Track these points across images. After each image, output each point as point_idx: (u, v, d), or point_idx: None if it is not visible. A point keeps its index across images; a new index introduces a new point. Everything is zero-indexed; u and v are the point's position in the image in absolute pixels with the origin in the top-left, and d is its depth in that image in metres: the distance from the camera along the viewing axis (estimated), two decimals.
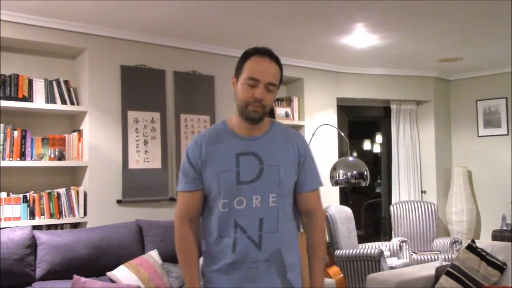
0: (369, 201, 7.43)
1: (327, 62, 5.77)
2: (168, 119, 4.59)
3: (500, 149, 6.26)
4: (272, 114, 5.46)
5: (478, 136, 6.47)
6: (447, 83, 6.73)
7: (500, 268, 3.75)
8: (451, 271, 3.82)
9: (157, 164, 4.47)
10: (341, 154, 5.90)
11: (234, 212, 1.87)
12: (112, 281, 3.51)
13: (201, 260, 2.00)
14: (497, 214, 6.14)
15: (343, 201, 6.05)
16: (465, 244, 4.07)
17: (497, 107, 6.31)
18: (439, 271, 3.93)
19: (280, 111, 5.52)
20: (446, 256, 5.15)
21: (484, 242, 4.14)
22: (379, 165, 7.00)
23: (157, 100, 4.53)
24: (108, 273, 3.55)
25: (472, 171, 6.51)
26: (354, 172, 4.37)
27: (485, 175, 6.39)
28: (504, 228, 6.00)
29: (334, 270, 4.28)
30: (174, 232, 1.97)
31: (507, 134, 6.22)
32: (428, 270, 4.06)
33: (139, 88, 4.44)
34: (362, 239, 5.96)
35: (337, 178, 4.43)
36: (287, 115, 5.56)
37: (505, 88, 6.24)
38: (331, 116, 5.88)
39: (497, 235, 5.87)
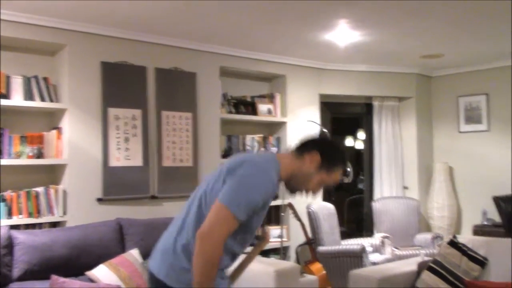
0: (352, 198, 7.45)
1: (310, 59, 5.76)
2: (149, 116, 4.54)
3: (481, 145, 6.32)
4: (254, 110, 5.44)
5: (459, 132, 6.53)
6: (429, 80, 6.77)
7: (481, 263, 3.77)
8: (433, 266, 3.84)
9: (138, 161, 4.42)
10: None
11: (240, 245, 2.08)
12: (92, 280, 3.46)
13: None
14: (478, 209, 6.20)
15: (326, 198, 6.06)
16: (446, 239, 4.09)
17: (478, 103, 6.36)
18: (421, 267, 3.94)
19: (262, 108, 5.50)
20: (428, 252, 5.18)
21: (466, 237, 4.16)
22: (362, 162, 7.03)
23: (138, 97, 4.48)
24: (87, 273, 3.51)
25: (453, 167, 6.56)
26: None
27: (466, 171, 6.45)
28: (485, 223, 6.06)
29: (317, 266, 4.28)
30: (210, 246, 1.86)
31: (488, 130, 6.28)
32: (410, 265, 4.07)
33: (120, 84, 4.38)
34: (344, 235, 5.97)
35: None
36: (269, 111, 5.54)
37: (486, 85, 6.29)
38: (314, 113, 5.87)
39: (478, 230, 5.92)
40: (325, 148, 2.04)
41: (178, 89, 4.73)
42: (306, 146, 2.05)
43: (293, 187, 2.06)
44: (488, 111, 6.28)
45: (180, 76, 4.75)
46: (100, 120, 4.27)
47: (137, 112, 4.45)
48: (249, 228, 2.00)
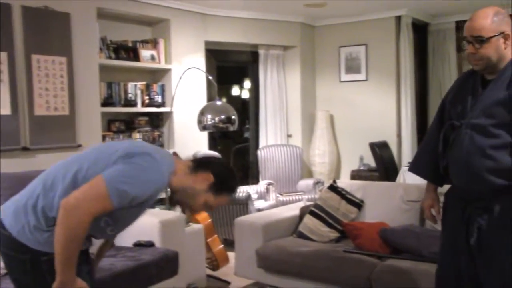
0: (238, 146, 7.51)
1: (194, 3, 5.55)
2: (17, 60, 4.11)
3: (360, 94, 6.60)
4: (136, 56, 5.16)
5: (340, 81, 6.76)
6: (312, 29, 6.87)
7: (358, 205, 3.98)
8: (314, 210, 3.98)
9: (5, 110, 4.01)
10: (210, 99, 5.80)
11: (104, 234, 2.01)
12: None
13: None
14: (356, 155, 6.54)
15: (212, 146, 6.02)
16: (327, 184, 4.26)
17: (357, 53, 6.60)
18: (303, 211, 4.08)
19: (145, 53, 5.23)
20: (310, 197, 5.39)
21: (344, 181, 4.36)
22: (248, 110, 7.06)
23: (2, 38, 4.02)
24: None
25: (334, 115, 6.81)
26: (222, 116, 4.30)
27: (346, 119, 6.73)
28: (362, 168, 6.42)
29: (203, 215, 4.25)
30: (75, 218, 1.71)
31: (366, 80, 6.56)
32: (293, 210, 4.20)
33: None
34: None
35: (205, 122, 4.34)
36: (153, 58, 5.30)
37: (365, 36, 6.52)
38: (199, 60, 5.72)
39: (355, 175, 6.27)
40: (220, 173, 1.99)
41: (49, 31, 4.31)
42: (203, 164, 1.99)
43: (177, 200, 2.00)
44: (366, 61, 6.55)
45: (51, 17, 4.33)
46: None
47: (3, 55, 4.00)
48: (117, 218, 1.87)
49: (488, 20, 2.12)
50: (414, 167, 2.59)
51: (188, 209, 2.03)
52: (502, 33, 2.13)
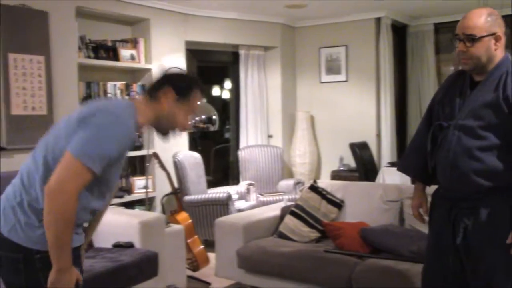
0: (218, 147, 7.48)
1: (175, 3, 5.52)
2: None
3: (340, 95, 6.64)
4: (116, 56, 5.11)
5: (321, 82, 6.78)
6: (293, 30, 6.89)
7: (338, 205, 4.00)
8: (295, 210, 3.99)
9: None
10: None
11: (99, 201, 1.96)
12: None
13: None
14: (336, 155, 6.57)
15: (192, 146, 6.00)
16: (308, 184, 4.27)
17: (338, 54, 6.63)
18: (284, 211, 4.09)
19: (125, 53, 5.18)
20: (291, 197, 5.39)
21: (325, 181, 4.38)
22: (228, 111, 7.04)
23: None
24: None
25: (314, 116, 6.84)
26: (203, 116, 4.29)
27: (326, 120, 6.76)
28: (342, 168, 6.45)
29: (183, 216, 4.23)
30: (61, 202, 1.70)
31: (346, 81, 6.60)
32: (273, 211, 4.20)
33: None
34: (211, 184, 6.00)
35: None
36: (132, 57, 5.25)
37: (346, 37, 6.56)
38: (180, 60, 5.69)
39: (335, 175, 6.30)
40: (175, 80, 1.96)
41: (27, 29, 4.24)
42: (155, 87, 1.95)
43: (163, 130, 1.98)
44: (347, 62, 6.59)
45: (29, 15, 4.26)
46: None
47: None
48: (105, 181, 1.86)
49: (481, 19, 2.13)
50: (403, 167, 2.59)
51: (178, 130, 1.99)
52: (494, 34, 2.14)
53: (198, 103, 2.02)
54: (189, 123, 2.03)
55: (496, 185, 2.12)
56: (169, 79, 1.96)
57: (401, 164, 2.64)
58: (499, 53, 2.18)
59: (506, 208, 2.12)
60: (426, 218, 2.48)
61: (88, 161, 1.71)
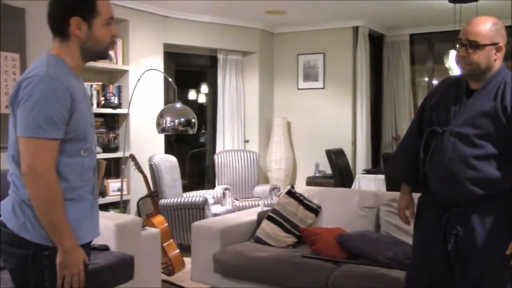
0: (194, 151, 7.44)
1: (154, 5, 5.48)
2: None
3: (317, 102, 6.68)
4: None
5: (298, 88, 6.82)
6: (271, 36, 6.92)
7: (315, 211, 4.01)
8: (272, 215, 3.99)
9: None
10: (167, 102, 5.74)
11: (92, 156, 1.91)
12: None
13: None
14: (311, 162, 6.60)
15: (168, 150, 5.95)
16: (285, 189, 4.27)
17: (315, 61, 6.68)
18: (261, 216, 4.08)
19: None
20: (266, 202, 5.39)
21: (302, 187, 4.39)
22: (204, 115, 7.01)
23: None
24: None
25: (291, 122, 6.87)
26: (182, 119, 4.25)
27: (303, 126, 6.80)
28: (317, 174, 6.49)
29: (159, 219, 4.18)
30: (39, 184, 1.69)
31: (323, 88, 6.65)
32: (250, 215, 4.19)
33: None
34: (186, 188, 5.95)
35: (164, 125, 4.27)
36: (110, 58, 5.18)
37: (323, 45, 6.62)
38: (158, 63, 5.65)
39: (311, 181, 6.33)
40: (72, 7, 1.81)
41: (2, 26, 4.15)
42: (59, 22, 1.83)
43: (95, 55, 1.89)
44: (324, 69, 6.64)
45: (5, 11, 4.17)
46: None
47: None
48: (83, 137, 1.82)
49: (486, 27, 2.16)
50: (392, 170, 2.59)
51: (109, 48, 1.90)
52: (496, 44, 2.17)
53: (109, 5, 1.89)
54: (111, 35, 1.88)
55: (489, 193, 2.15)
56: (68, 10, 1.81)
57: (390, 167, 2.62)
58: (498, 63, 2.21)
59: (498, 215, 2.15)
60: (412, 221, 2.49)
61: (39, 132, 1.68)
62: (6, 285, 2.45)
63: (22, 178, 1.74)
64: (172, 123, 4.21)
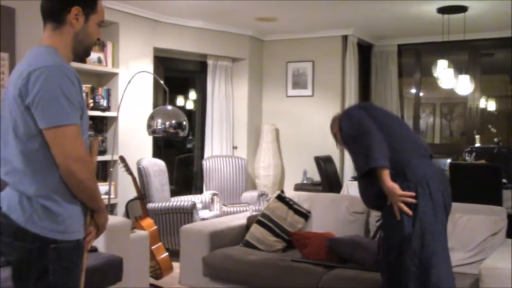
0: (181, 156, 7.41)
1: (145, 8, 5.48)
2: None
3: (305, 109, 6.71)
4: (82, 58, 4.99)
5: (287, 96, 6.84)
6: (261, 43, 6.94)
7: (305, 215, 4.01)
8: (262, 219, 3.98)
9: None
10: (156, 106, 5.71)
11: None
12: None
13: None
14: (300, 169, 6.61)
15: (156, 154, 5.91)
16: (275, 194, 4.27)
17: (304, 69, 6.72)
18: (250, 220, 4.07)
19: (92, 55, 5.07)
20: (254, 208, 5.38)
21: (292, 192, 4.39)
22: (192, 121, 6.99)
23: None
24: None
25: (279, 129, 6.88)
26: (173, 121, 4.23)
27: (291, 133, 6.81)
28: (305, 181, 6.49)
29: (148, 222, 4.14)
30: (83, 169, 1.74)
31: (312, 95, 6.68)
32: (240, 220, 4.18)
33: None
34: (173, 193, 5.92)
35: (155, 127, 4.24)
36: (99, 60, 5.16)
37: (313, 52, 6.66)
38: (148, 66, 5.63)
39: (299, 188, 6.32)
40: None
41: None
42: (59, 7, 1.82)
43: (84, 48, 1.90)
44: (313, 77, 6.68)
45: None
46: None
47: None
48: (85, 124, 1.86)
49: None
50: (383, 160, 2.60)
51: (94, 44, 1.99)
52: None
53: (101, 9, 1.93)
54: (100, 32, 1.95)
55: None
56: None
57: (380, 158, 2.60)
58: None
59: None
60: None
61: (64, 118, 1.69)
62: (6, 284, 2.41)
63: (26, 175, 1.73)
64: (163, 125, 4.18)
